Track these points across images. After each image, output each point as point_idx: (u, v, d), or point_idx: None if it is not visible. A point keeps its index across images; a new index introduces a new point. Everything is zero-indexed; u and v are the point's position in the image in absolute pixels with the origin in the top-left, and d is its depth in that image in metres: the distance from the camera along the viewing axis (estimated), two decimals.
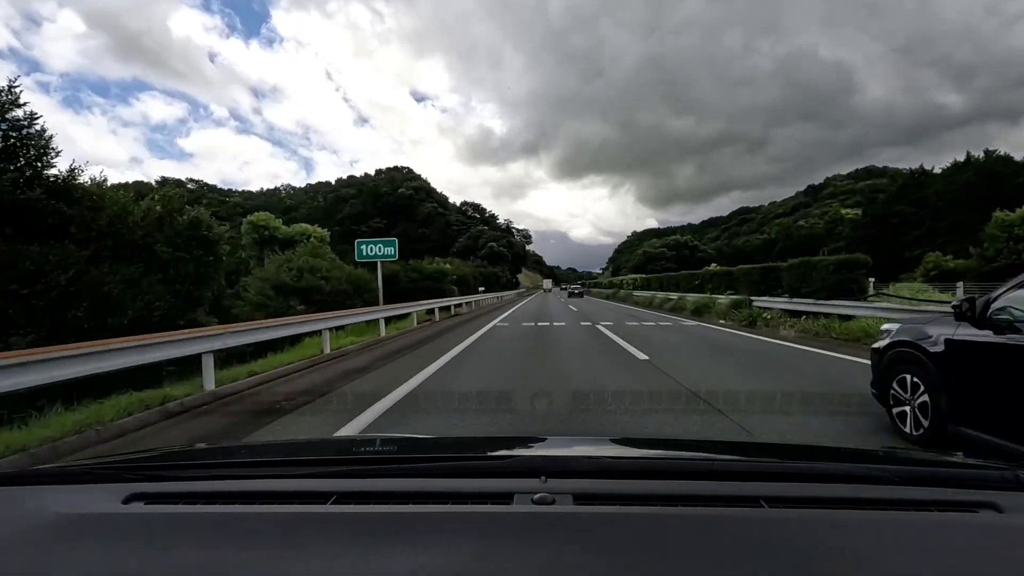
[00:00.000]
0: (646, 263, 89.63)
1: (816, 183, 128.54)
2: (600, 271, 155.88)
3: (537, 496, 0.92)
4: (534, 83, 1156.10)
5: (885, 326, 4.41)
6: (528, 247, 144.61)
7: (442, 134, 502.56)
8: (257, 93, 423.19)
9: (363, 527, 0.87)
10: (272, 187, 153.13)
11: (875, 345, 4.28)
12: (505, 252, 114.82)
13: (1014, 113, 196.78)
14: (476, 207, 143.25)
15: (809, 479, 1.06)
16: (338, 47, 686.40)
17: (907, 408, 3.74)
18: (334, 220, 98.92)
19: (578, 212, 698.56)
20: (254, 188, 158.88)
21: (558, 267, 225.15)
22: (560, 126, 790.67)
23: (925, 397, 3.55)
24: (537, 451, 1.42)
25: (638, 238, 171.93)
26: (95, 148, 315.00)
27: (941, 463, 1.27)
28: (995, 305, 3.17)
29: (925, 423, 3.55)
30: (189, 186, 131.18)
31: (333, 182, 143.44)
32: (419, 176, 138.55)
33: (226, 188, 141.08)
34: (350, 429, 4.41)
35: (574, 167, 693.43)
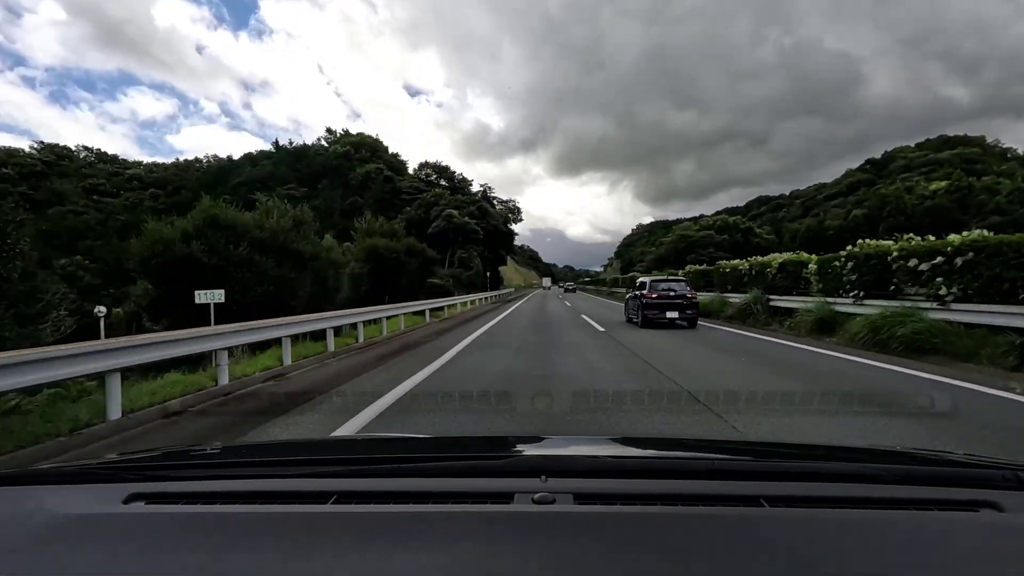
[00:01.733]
0: (687, 250, 70.15)
1: (876, 157, 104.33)
2: (601, 268, 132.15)
3: (537, 496, 0.91)
4: (532, 77, 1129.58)
5: (628, 294, 18.48)
6: (515, 226, 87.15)
7: (438, 129, 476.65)
8: (247, 87, 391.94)
9: (363, 527, 0.86)
10: (193, 157, 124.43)
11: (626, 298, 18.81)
12: (475, 227, 66.86)
13: (1020, 107, 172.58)
14: (440, 168, 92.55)
15: (809, 478, 1.06)
16: (330, 39, 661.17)
17: (626, 315, 17.51)
18: (226, 187, 69.53)
19: (575, 210, 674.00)
20: (167, 159, 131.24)
21: (555, 265, 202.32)
22: (559, 121, 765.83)
23: (626, 311, 17.73)
24: (537, 450, 1.41)
25: (646, 231, 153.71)
26: (90, 145, 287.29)
27: (941, 462, 1.25)
28: (638, 284, 16.54)
29: (625, 318, 17.26)
30: (82, 154, 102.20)
31: (273, 149, 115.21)
32: (363, 133, 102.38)
33: (132, 160, 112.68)
34: None
35: (572, 163, 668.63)
